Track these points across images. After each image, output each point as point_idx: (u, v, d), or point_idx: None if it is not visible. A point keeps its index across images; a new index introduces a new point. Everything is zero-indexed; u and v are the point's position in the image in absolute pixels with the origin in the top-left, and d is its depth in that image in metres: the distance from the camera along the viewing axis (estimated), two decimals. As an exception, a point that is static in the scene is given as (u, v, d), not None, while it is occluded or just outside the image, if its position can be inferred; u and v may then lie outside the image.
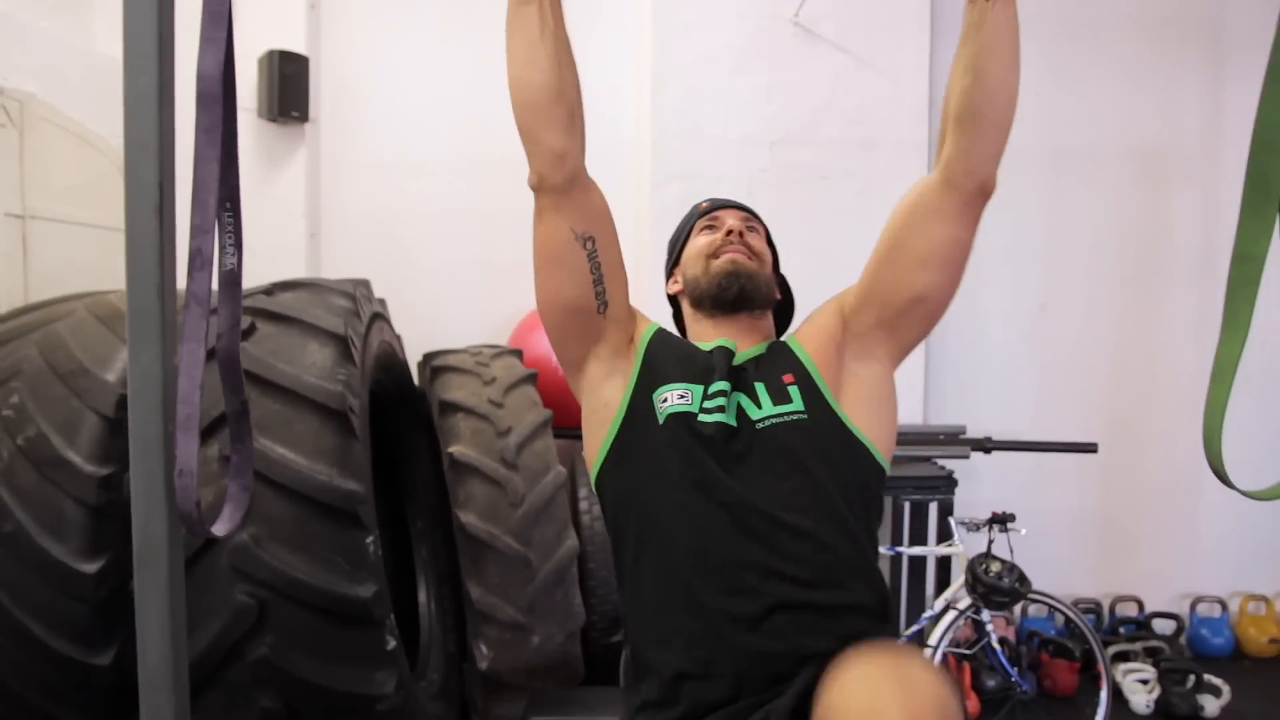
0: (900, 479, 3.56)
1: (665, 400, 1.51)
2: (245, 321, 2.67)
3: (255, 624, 2.37)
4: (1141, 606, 4.49)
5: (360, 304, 2.94)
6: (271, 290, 2.87)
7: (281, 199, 4.12)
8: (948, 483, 3.50)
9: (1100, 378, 4.51)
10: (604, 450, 1.53)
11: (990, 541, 3.20)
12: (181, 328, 1.19)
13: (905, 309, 1.55)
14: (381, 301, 3.40)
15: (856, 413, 1.53)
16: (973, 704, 3.75)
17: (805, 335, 1.63)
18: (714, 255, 1.66)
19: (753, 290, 1.63)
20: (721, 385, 1.51)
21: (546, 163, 1.49)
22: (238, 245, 1.25)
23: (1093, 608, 4.39)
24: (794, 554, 1.40)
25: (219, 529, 1.27)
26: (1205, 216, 4.48)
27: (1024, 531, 3.22)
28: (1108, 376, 4.52)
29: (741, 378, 1.55)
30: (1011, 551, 3.17)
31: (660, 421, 1.50)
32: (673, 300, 1.80)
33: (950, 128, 1.48)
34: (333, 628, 2.42)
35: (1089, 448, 3.73)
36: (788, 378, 1.55)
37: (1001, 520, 3.21)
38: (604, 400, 1.54)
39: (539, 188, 1.51)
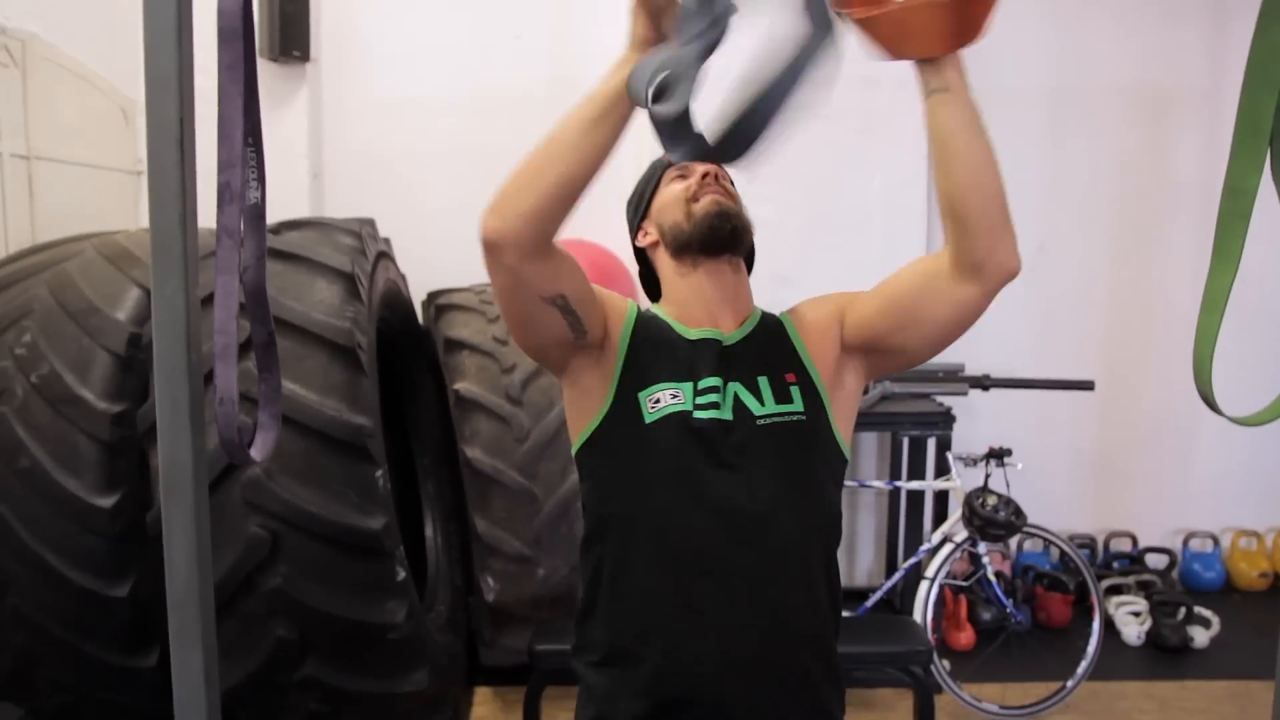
0: (899, 415, 3.61)
1: (657, 401, 1.44)
2: (253, 260, 2.69)
3: (269, 555, 2.43)
4: (1135, 541, 4.58)
5: (366, 243, 2.97)
6: (278, 229, 2.89)
7: (284, 139, 4.11)
8: (946, 419, 3.55)
9: (1098, 317, 4.55)
10: (585, 435, 1.48)
11: (987, 476, 3.26)
12: (216, 260, 1.22)
13: (896, 361, 1.56)
14: (386, 240, 3.42)
15: (842, 425, 1.52)
16: (968, 635, 3.84)
17: (807, 331, 1.56)
18: (694, 199, 1.55)
19: (742, 230, 1.56)
20: (712, 381, 1.46)
21: (526, 227, 1.28)
22: (261, 180, 1.27)
23: (1087, 542, 4.48)
24: (779, 563, 1.44)
25: (256, 454, 1.32)
26: (1206, 156, 4.48)
27: (1020, 466, 3.28)
28: (1105, 316, 4.56)
29: (734, 366, 1.49)
30: (1008, 486, 3.24)
31: (647, 421, 1.44)
32: (641, 255, 1.66)
33: (945, 224, 1.36)
34: (344, 559, 2.48)
35: (1085, 385, 3.77)
36: (790, 377, 1.50)
37: (998, 455, 3.26)
38: (584, 389, 1.48)
39: (500, 244, 1.28)
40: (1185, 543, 4.61)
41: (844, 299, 1.56)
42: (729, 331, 1.52)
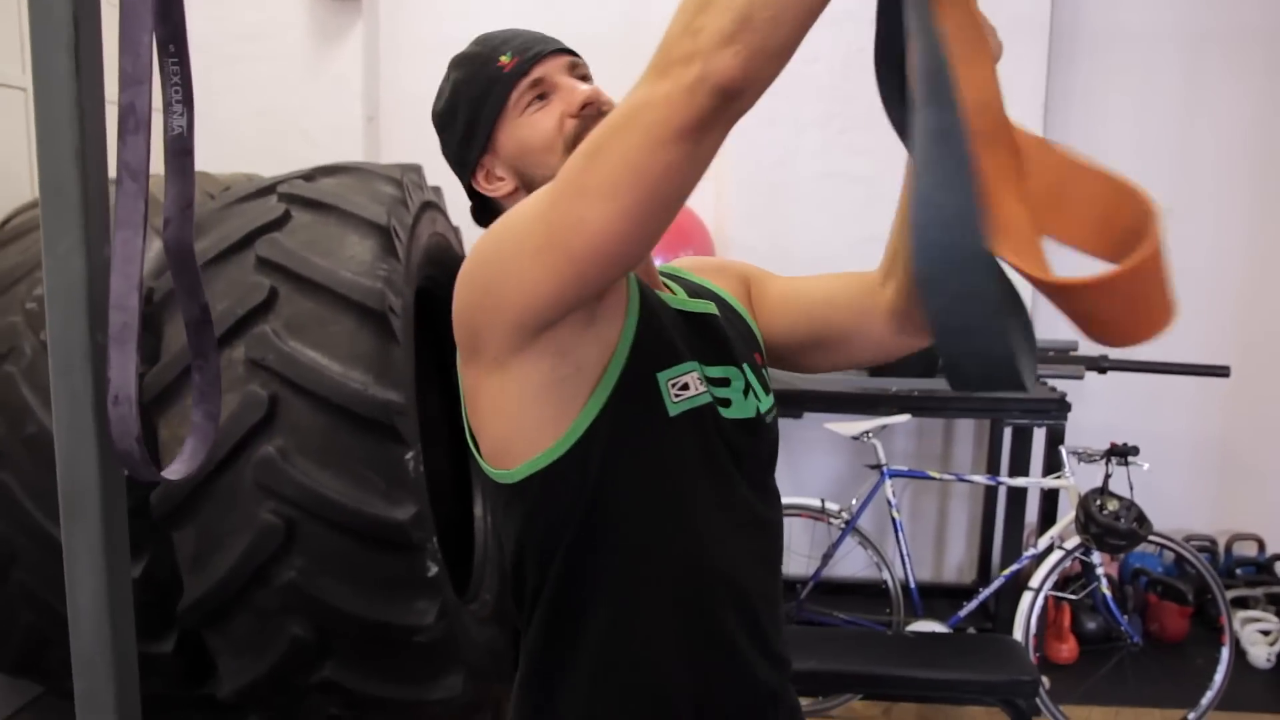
0: (1003, 400, 3.19)
1: (684, 388, 1.07)
2: (279, 210, 2.40)
3: (283, 545, 2.16)
4: (1262, 546, 4.09)
5: (409, 191, 2.65)
6: (312, 175, 2.59)
7: (337, 79, 3.82)
8: (1060, 406, 3.12)
9: (1232, 292, 4.05)
10: (574, 431, 1.03)
11: (1107, 476, 2.84)
12: (115, 209, 0.90)
13: (776, 367, 1.32)
14: (436, 190, 3.10)
15: None
16: (1070, 648, 3.45)
17: (743, 302, 1.29)
18: (580, 140, 1.01)
19: None
20: (723, 370, 1.14)
21: (773, 71, 0.81)
22: (187, 101, 0.95)
23: (1207, 546, 4.02)
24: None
25: (175, 470, 1.00)
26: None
27: (1146, 466, 2.86)
28: (1240, 291, 4.05)
29: (732, 348, 1.18)
30: (1131, 489, 2.82)
31: (672, 413, 1.06)
32: (484, 201, 1.21)
33: (898, 268, 1.18)
34: (367, 552, 2.20)
35: (1220, 370, 3.31)
36: (759, 359, 1.25)
37: (1121, 453, 2.84)
38: (576, 365, 1.02)
39: (745, 90, 0.79)
40: (1319, 549, 4.12)
41: (748, 278, 1.33)
42: (676, 298, 1.18)
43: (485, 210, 1.23)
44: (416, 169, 2.87)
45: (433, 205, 2.90)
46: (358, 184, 2.56)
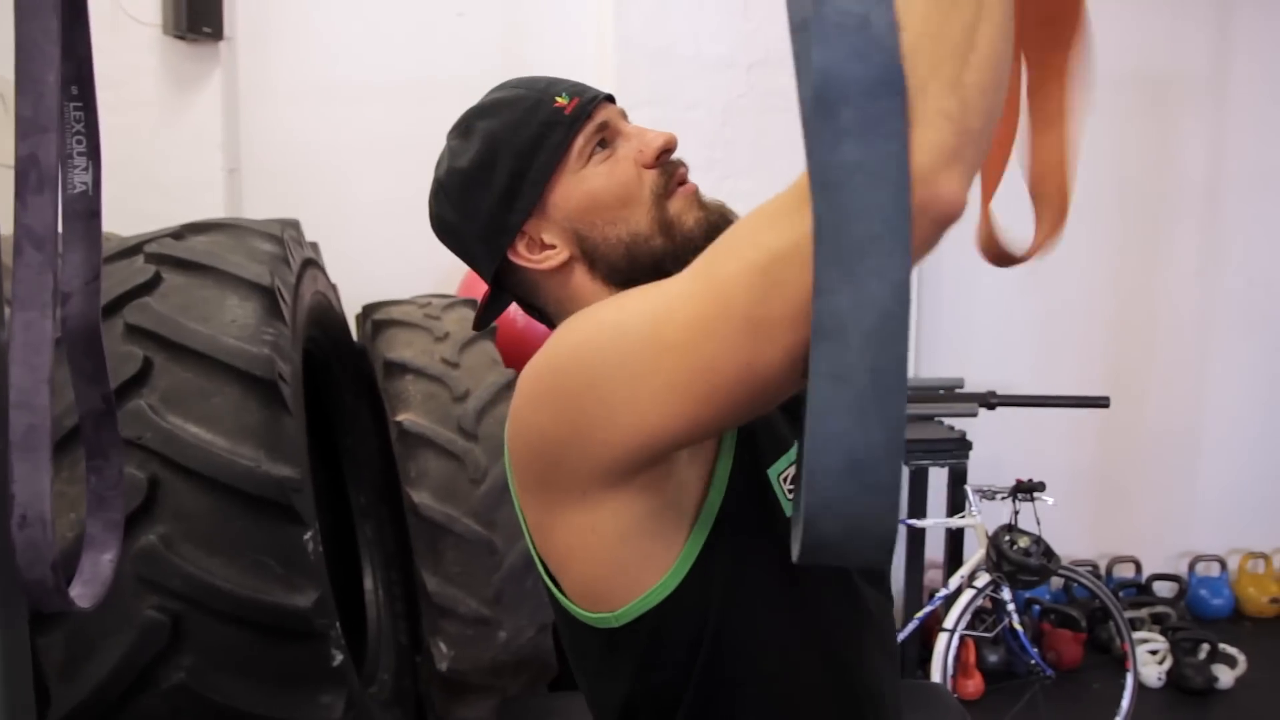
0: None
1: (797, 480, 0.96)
2: (148, 272, 2.19)
3: (169, 644, 1.93)
4: (1139, 567, 4.24)
5: (290, 248, 2.47)
6: (181, 233, 2.38)
7: (195, 128, 3.58)
8: (961, 445, 3.13)
9: (1100, 324, 4.21)
10: (686, 559, 0.88)
11: (1015, 512, 2.86)
12: (13, 287, 0.74)
13: None
14: (314, 246, 2.92)
15: None
16: (975, 683, 3.45)
17: None
18: (669, 193, 0.97)
19: None
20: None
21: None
22: (92, 153, 0.80)
23: (1091, 570, 4.12)
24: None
25: (81, 594, 0.83)
26: (1211, 149, 4.17)
27: (1052, 501, 2.89)
28: (1108, 322, 4.21)
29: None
30: (1039, 524, 2.84)
31: (789, 514, 0.92)
32: (516, 274, 1.03)
33: None
34: (265, 644, 1.99)
35: (1100, 402, 3.39)
36: None
37: (1028, 489, 2.86)
38: (677, 485, 0.88)
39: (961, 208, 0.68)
40: (1191, 567, 4.27)
41: None
42: None
43: (502, 301, 1.07)
44: (295, 224, 2.69)
45: (313, 262, 2.72)
46: (233, 241, 2.37)
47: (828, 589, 0.96)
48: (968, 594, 2.92)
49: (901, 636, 3.07)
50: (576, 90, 0.99)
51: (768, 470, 0.92)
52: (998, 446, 3.84)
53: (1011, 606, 2.94)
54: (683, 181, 0.99)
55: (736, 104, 3.78)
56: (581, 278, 1.00)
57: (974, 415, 3.37)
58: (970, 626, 3.10)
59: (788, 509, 0.92)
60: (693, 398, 0.75)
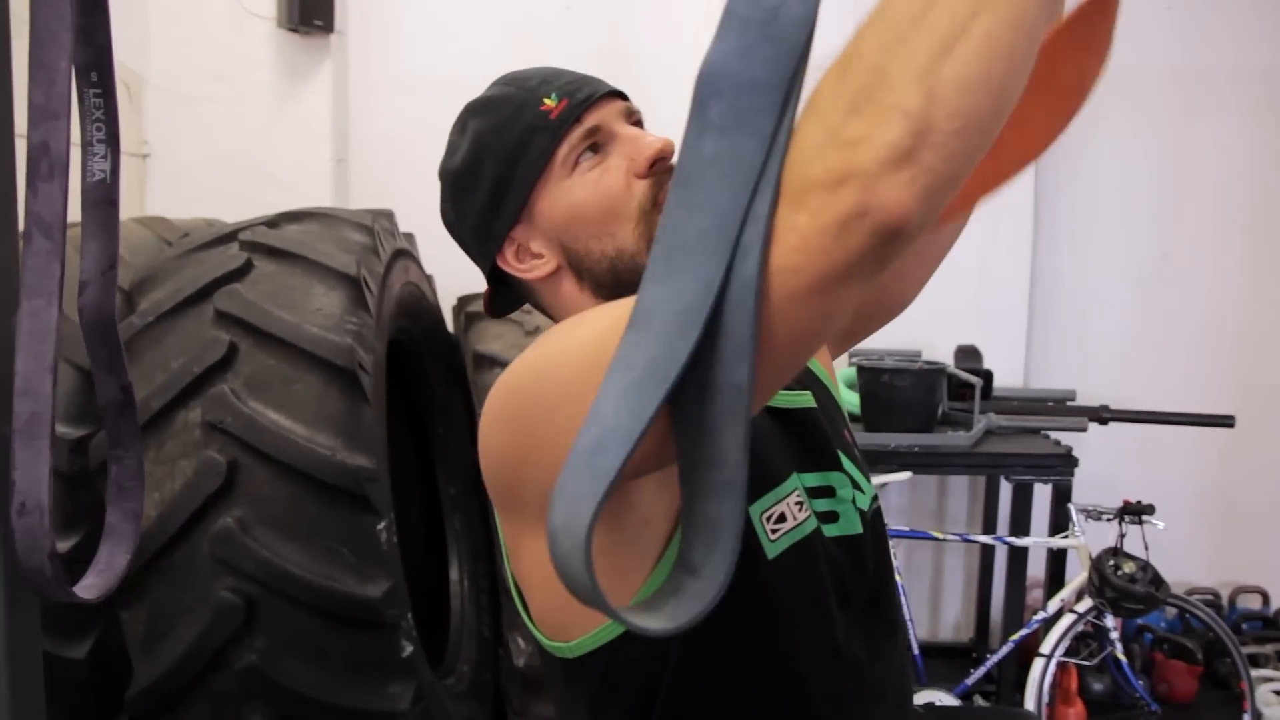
0: (1006, 455, 3.05)
1: (781, 520, 0.86)
2: (240, 259, 2.23)
3: (242, 626, 1.97)
4: (1266, 599, 3.97)
5: (380, 239, 2.49)
6: (276, 221, 2.43)
7: (304, 119, 3.66)
8: (1066, 461, 2.97)
9: (1228, 337, 3.94)
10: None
11: (1121, 535, 2.70)
12: (22, 274, 0.73)
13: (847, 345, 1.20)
14: (409, 236, 2.95)
15: None
16: (1078, 712, 3.27)
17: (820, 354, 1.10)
18: (658, 208, 0.89)
19: None
20: (823, 477, 0.95)
21: (952, 189, 0.60)
22: (111, 141, 0.79)
23: (1211, 599, 3.88)
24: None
25: (90, 586, 0.83)
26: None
27: (1162, 525, 2.71)
28: (1237, 335, 3.94)
29: (831, 444, 0.98)
30: (1146, 549, 2.67)
31: (770, 555, 0.85)
32: (505, 278, 0.99)
33: None
34: (335, 632, 2.01)
35: (1225, 421, 3.19)
36: (848, 435, 1.05)
37: (1136, 511, 2.70)
38: (643, 519, 0.81)
39: (916, 222, 0.58)
40: (1323, 601, 3.99)
41: None
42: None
43: (508, 296, 1.02)
44: (388, 214, 2.72)
45: (405, 253, 2.74)
46: (325, 231, 2.40)
47: (815, 633, 0.88)
48: (1067, 619, 2.77)
49: (996, 659, 2.95)
50: (568, 89, 0.91)
51: (750, 507, 0.84)
52: (1112, 464, 3.65)
53: (1115, 634, 2.78)
54: None
55: None
56: (570, 288, 0.94)
57: (1083, 430, 3.20)
58: (1071, 653, 2.95)
59: (770, 550, 0.85)
60: None
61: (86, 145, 0.79)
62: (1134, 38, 3.70)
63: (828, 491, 0.94)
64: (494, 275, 0.99)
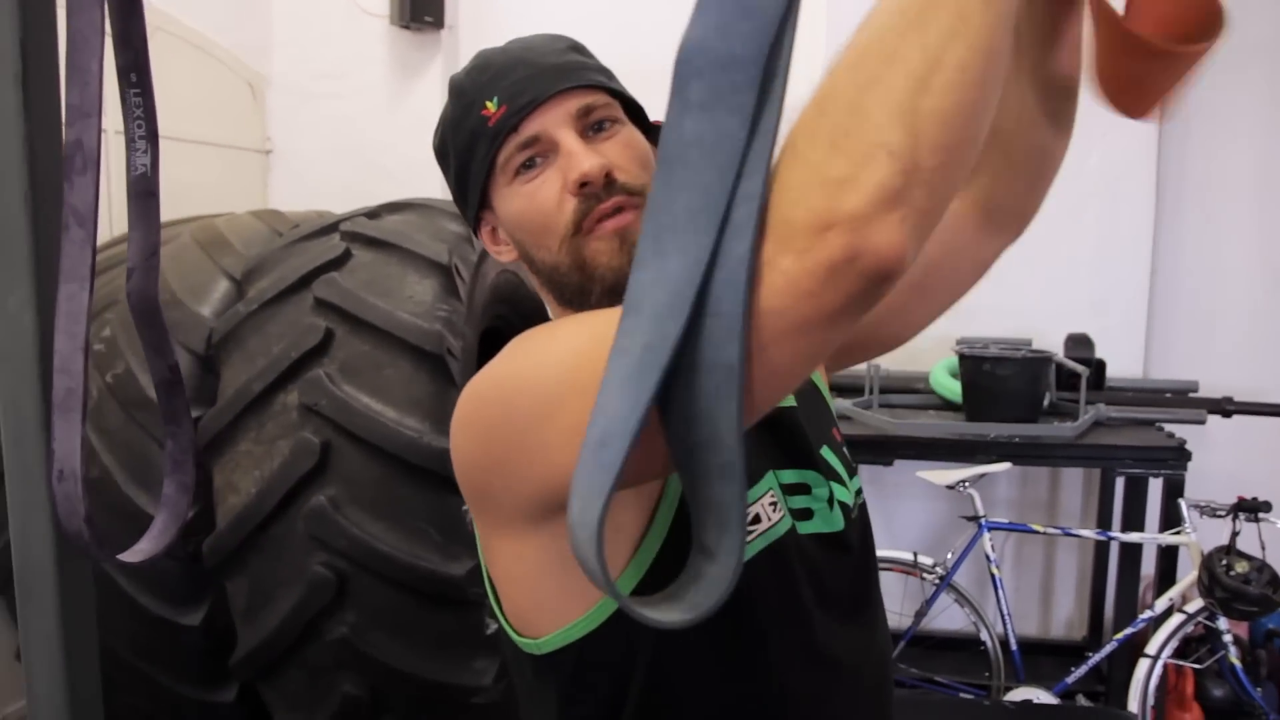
0: (1114, 448, 2.94)
1: (755, 521, 0.85)
2: (340, 248, 2.33)
3: (334, 599, 2.07)
4: None
5: (475, 229, 2.56)
6: (376, 212, 2.53)
7: (416, 114, 3.78)
8: (1178, 455, 2.85)
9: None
10: (605, 608, 0.83)
11: (1235, 533, 2.57)
12: (60, 260, 0.80)
13: (860, 358, 1.16)
14: (508, 226, 3.01)
15: None
16: (1193, 717, 3.14)
17: None
18: (584, 230, 0.87)
19: None
20: (801, 475, 0.93)
21: (931, 222, 0.59)
22: (151, 137, 0.85)
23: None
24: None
25: (139, 550, 0.89)
26: None
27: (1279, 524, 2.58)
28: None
29: (807, 439, 0.96)
30: (1263, 548, 2.54)
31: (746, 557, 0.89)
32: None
33: (988, 156, 0.97)
34: (422, 608, 2.09)
35: (1362, 416, 3.00)
36: (837, 433, 1.02)
37: (1251, 508, 2.57)
38: (613, 525, 0.77)
39: (902, 261, 0.57)
40: None
41: None
42: None
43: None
44: (486, 204, 2.78)
45: (503, 241, 2.80)
46: (421, 221, 2.48)
47: (790, 634, 0.87)
48: (1175, 619, 2.66)
49: (1099, 657, 2.85)
50: (511, 92, 0.89)
51: None
52: (1237, 459, 3.47)
53: (1228, 637, 2.65)
54: (610, 215, 0.86)
55: None
56: (533, 275, 0.95)
57: (1201, 422, 3.06)
58: (1182, 654, 2.83)
59: (747, 551, 0.85)
60: None
61: (129, 142, 0.85)
62: (1264, 10, 3.52)
63: (803, 488, 0.92)
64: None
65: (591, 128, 0.90)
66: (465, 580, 2.10)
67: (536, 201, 0.88)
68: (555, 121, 0.88)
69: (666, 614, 0.60)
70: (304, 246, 2.40)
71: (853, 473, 1.01)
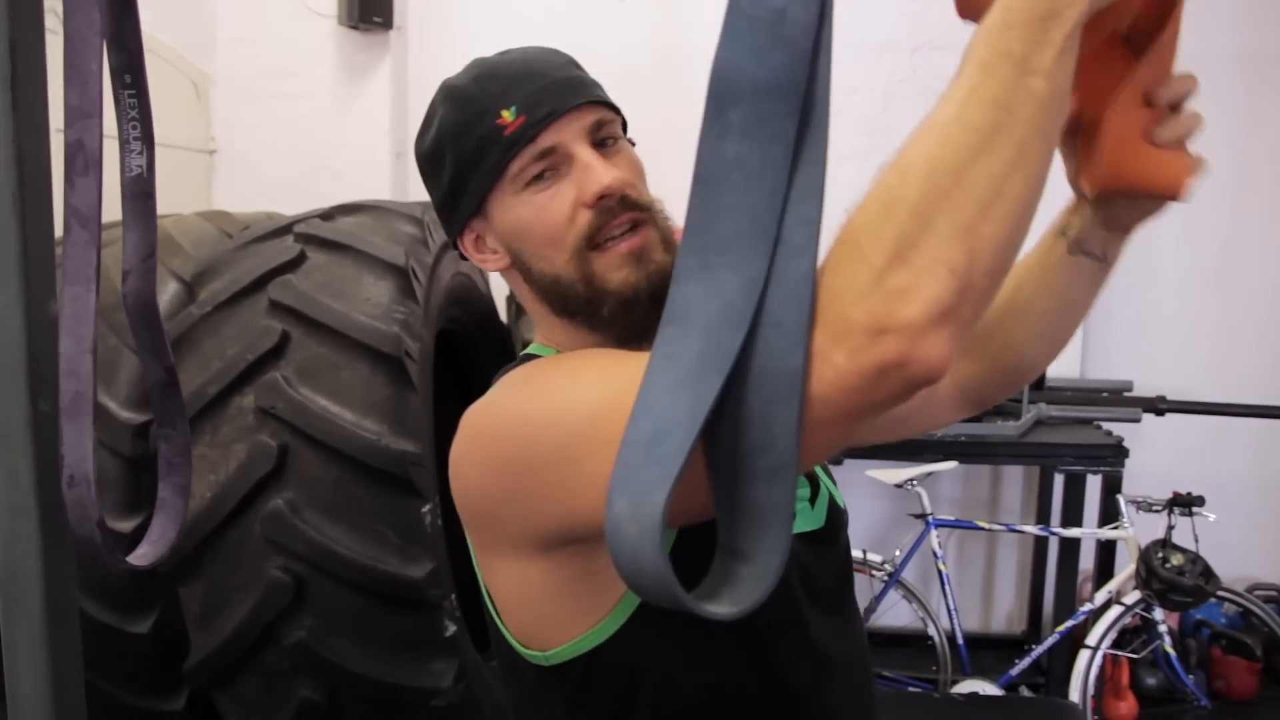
0: (1055, 445, 3.03)
1: None
2: (294, 250, 2.31)
3: (291, 604, 2.05)
4: (1331, 595, 3.87)
5: (430, 230, 2.55)
6: (330, 214, 2.51)
7: (365, 114, 3.75)
8: (1116, 452, 2.95)
9: (1294, 328, 3.85)
10: (622, 611, 0.85)
11: (1170, 527, 2.67)
12: (63, 263, 0.80)
13: None
14: (461, 228, 3.01)
15: None
16: (1129, 706, 3.24)
17: None
18: (596, 245, 0.90)
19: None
20: None
21: (970, 325, 0.62)
22: (146, 138, 0.85)
23: (1274, 595, 3.80)
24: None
25: (142, 555, 0.89)
26: None
27: (1213, 517, 2.68)
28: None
29: None
30: (1196, 541, 2.64)
31: None
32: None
33: (979, 344, 1.04)
34: (380, 611, 2.08)
35: (1286, 413, 3.13)
36: None
37: (1185, 503, 2.67)
38: (597, 570, 0.83)
39: (941, 367, 0.60)
40: (1393, 599, 3.88)
41: None
42: None
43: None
44: (439, 206, 2.78)
45: (456, 244, 2.80)
46: (376, 223, 2.47)
47: (787, 632, 0.90)
48: (1114, 611, 2.75)
49: (1041, 650, 2.93)
50: (529, 103, 0.89)
51: None
52: (1170, 457, 3.59)
53: (1163, 627, 2.75)
54: (623, 234, 0.89)
55: (898, 89, 3.67)
56: (522, 285, 0.96)
57: (1136, 420, 3.16)
58: (1120, 646, 2.93)
59: None
60: None
61: (124, 143, 0.85)
62: (1200, 23, 3.65)
63: None
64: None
65: (599, 143, 0.92)
66: (424, 582, 2.10)
67: (548, 213, 0.89)
68: (572, 135, 0.90)
69: (714, 608, 0.61)
70: (257, 248, 2.37)
71: (827, 470, 1.05)
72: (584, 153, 0.90)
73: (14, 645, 0.87)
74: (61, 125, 0.78)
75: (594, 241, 0.89)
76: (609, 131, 0.93)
